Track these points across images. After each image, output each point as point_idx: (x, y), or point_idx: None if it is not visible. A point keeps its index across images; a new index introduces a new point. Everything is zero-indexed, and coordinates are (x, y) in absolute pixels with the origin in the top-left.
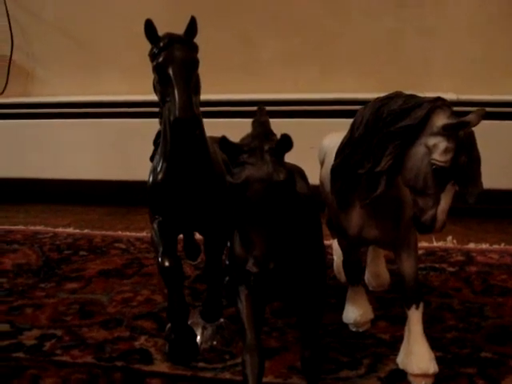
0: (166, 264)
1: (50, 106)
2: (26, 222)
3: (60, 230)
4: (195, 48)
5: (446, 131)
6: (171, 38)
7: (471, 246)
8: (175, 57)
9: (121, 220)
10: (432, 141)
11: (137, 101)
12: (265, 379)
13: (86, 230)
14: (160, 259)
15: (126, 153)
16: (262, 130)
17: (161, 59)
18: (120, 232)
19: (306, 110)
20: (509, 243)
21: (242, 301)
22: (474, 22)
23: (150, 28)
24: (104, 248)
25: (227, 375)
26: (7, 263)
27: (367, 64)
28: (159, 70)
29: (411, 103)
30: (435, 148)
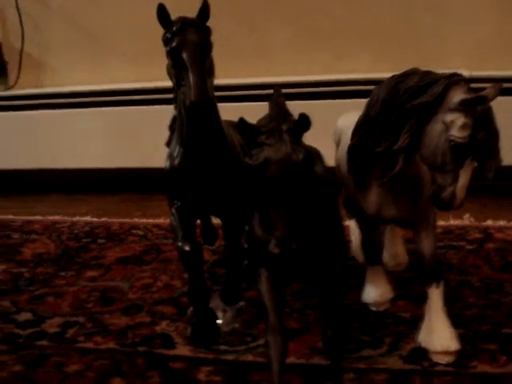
0: (187, 248)
1: (63, 96)
2: (44, 212)
3: (77, 218)
4: (208, 31)
5: (463, 107)
6: (184, 21)
7: (489, 223)
8: (189, 40)
9: (137, 207)
10: (449, 117)
11: (150, 88)
12: (287, 360)
13: (103, 218)
14: (180, 244)
15: (141, 140)
16: (279, 111)
17: (174, 43)
18: (137, 219)
19: (319, 92)
20: None
21: (263, 283)
22: None
23: (162, 12)
24: (122, 235)
25: (249, 357)
26: (27, 253)
27: (379, 44)
28: (173, 55)
29: (427, 80)
30: (453, 124)
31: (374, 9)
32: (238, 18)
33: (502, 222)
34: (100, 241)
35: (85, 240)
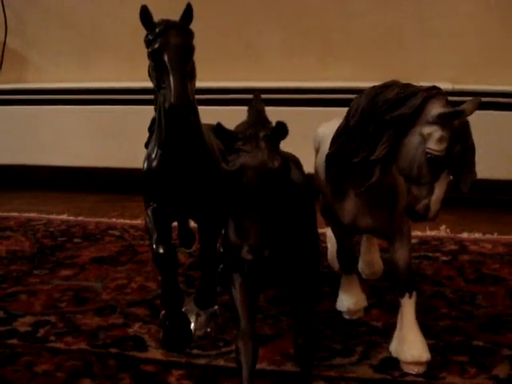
0: (160, 251)
1: (44, 93)
2: (20, 208)
3: (54, 216)
4: (191, 34)
5: (440, 120)
6: (167, 24)
7: (464, 235)
8: (171, 43)
9: (115, 207)
10: (427, 130)
11: (132, 87)
12: (258, 366)
13: (80, 217)
14: (154, 246)
15: (121, 140)
16: (257, 118)
17: (156, 45)
18: (114, 219)
19: (303, 99)
20: (501, 233)
21: (236, 288)
22: (472, 12)
23: (145, 14)
24: (98, 235)
25: (221, 362)
26: (1, 250)
27: (365, 53)
28: (154, 57)
29: (407, 92)
30: (430, 137)
31: (362, 18)
32: (229, 21)
33: (477, 235)
34: (76, 240)
35: (60, 239)
